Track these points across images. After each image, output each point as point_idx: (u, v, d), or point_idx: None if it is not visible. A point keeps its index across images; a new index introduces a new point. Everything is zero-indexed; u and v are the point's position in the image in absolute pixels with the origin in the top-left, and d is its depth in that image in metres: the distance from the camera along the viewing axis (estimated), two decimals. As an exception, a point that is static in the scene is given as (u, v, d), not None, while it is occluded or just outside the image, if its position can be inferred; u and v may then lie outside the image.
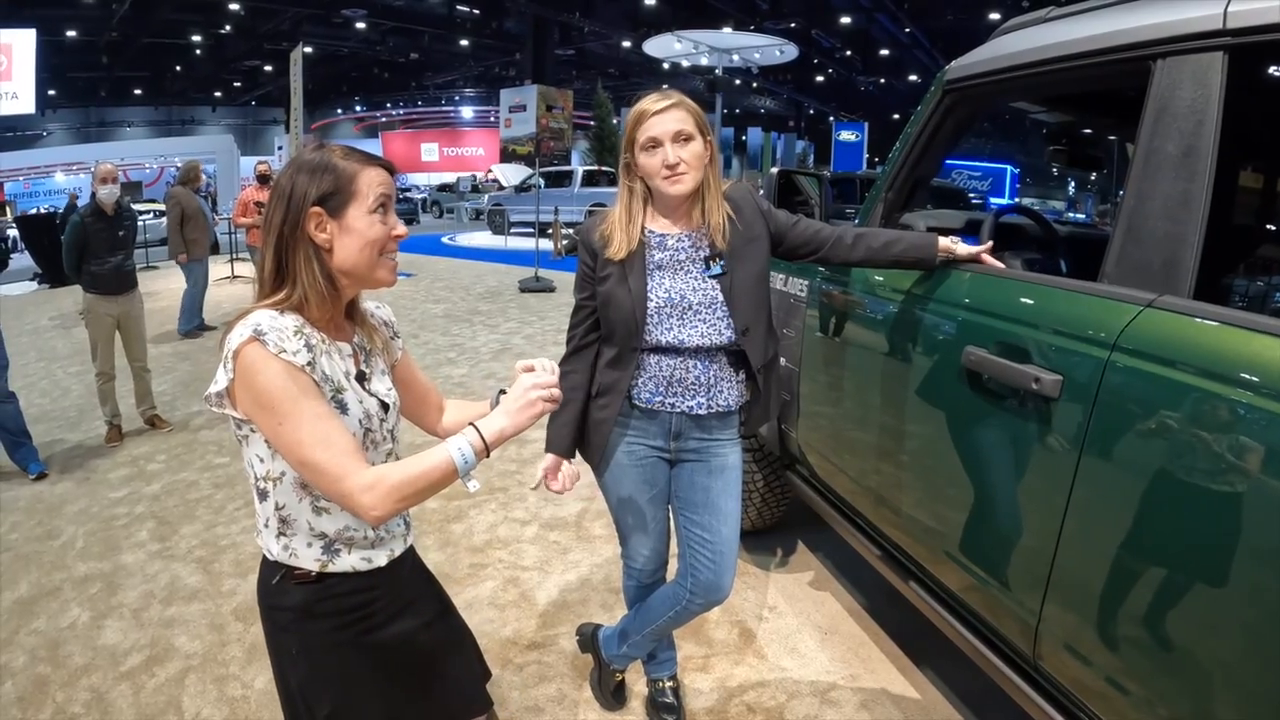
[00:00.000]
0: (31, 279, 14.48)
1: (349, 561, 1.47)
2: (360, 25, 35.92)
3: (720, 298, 2.06)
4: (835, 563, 3.64)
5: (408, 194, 34.34)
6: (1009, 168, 32.37)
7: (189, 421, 5.98)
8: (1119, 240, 1.70)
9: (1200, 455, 1.38)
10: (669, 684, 2.61)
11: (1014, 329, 1.85)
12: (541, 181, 18.25)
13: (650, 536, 2.31)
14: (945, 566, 2.18)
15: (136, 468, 5.05)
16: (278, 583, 1.47)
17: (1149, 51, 1.69)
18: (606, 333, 2.13)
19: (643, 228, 2.09)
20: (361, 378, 1.51)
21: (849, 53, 39.95)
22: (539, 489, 2.13)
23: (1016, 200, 26.74)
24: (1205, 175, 1.55)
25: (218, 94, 49.28)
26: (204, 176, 12.60)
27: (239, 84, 47.46)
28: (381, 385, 1.55)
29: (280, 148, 34.15)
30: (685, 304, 2.05)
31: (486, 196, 25.45)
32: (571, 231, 15.44)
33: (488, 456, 1.39)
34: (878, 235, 2.20)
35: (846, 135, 33.08)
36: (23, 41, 18.51)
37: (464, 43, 39.42)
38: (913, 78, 40.96)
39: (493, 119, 38.03)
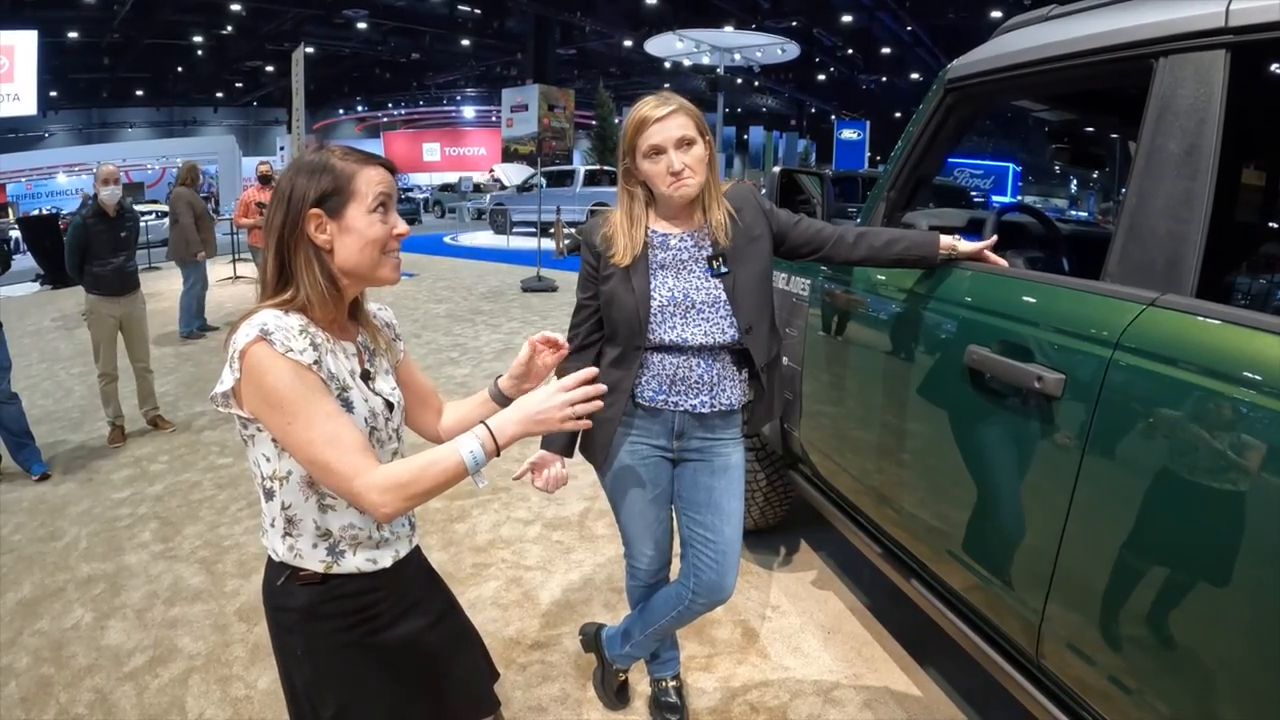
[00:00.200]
0: (34, 280, 14.48)
1: (354, 562, 1.47)
2: (361, 25, 35.90)
3: (723, 297, 2.06)
4: (838, 562, 3.64)
5: (410, 194, 34.36)
6: (1011, 166, 32.38)
7: (191, 422, 5.99)
8: (1121, 239, 1.70)
9: (1203, 454, 1.38)
10: (672, 684, 2.61)
11: (1016, 328, 1.85)
12: (543, 181, 18.26)
13: (653, 536, 2.31)
14: (948, 565, 2.18)
15: (139, 468, 5.05)
16: (283, 584, 1.47)
17: (1151, 50, 1.68)
18: (610, 332, 2.13)
19: (646, 228, 2.09)
20: (366, 376, 1.51)
21: (850, 51, 39.87)
22: (521, 480, 2.12)
23: (1019, 198, 26.73)
24: (1208, 174, 1.54)
25: (219, 95, 49.32)
26: (202, 177, 12.59)
27: (240, 85, 47.49)
28: (386, 384, 1.56)
29: (282, 148, 34.22)
30: (688, 303, 2.05)
31: (488, 196, 25.46)
32: (573, 231, 15.43)
33: (498, 455, 1.40)
34: (879, 234, 2.20)
35: (848, 134, 33.05)
36: (24, 43, 18.54)
37: (465, 42, 39.41)
38: (914, 76, 40.92)
39: (494, 119, 38.04)
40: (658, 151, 1.98)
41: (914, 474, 2.34)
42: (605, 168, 20.81)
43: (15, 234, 18.55)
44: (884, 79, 44.38)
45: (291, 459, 1.39)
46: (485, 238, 21.47)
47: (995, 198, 23.43)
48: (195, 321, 9.07)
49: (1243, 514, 1.32)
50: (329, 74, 45.99)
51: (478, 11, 35.88)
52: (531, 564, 3.66)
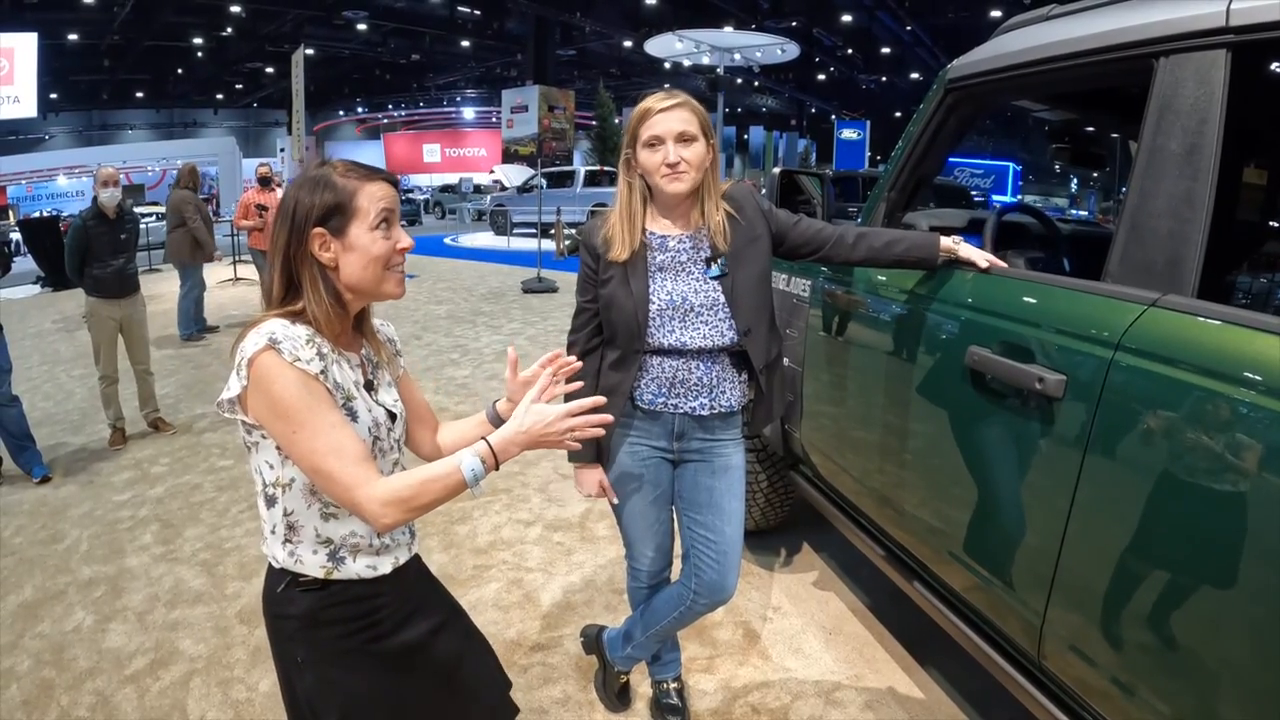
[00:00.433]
0: (34, 282, 14.48)
1: (354, 569, 1.47)
2: (361, 27, 35.90)
3: (722, 299, 2.06)
4: (839, 563, 3.64)
5: (410, 195, 34.35)
6: (1011, 165, 32.38)
7: (192, 424, 5.99)
8: (1122, 239, 1.70)
9: (1205, 455, 1.38)
10: (674, 685, 2.60)
11: (1017, 328, 1.85)
12: (544, 182, 18.24)
13: (654, 537, 2.31)
14: (949, 566, 2.18)
15: (140, 471, 5.05)
16: (283, 590, 1.47)
17: (1152, 49, 1.68)
18: (609, 335, 2.13)
19: (643, 229, 2.09)
20: (370, 387, 1.52)
21: (850, 51, 39.83)
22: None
23: (1019, 198, 26.72)
24: (1209, 173, 1.54)
25: (219, 96, 49.30)
26: (202, 178, 12.57)
27: (241, 86, 47.47)
28: (389, 396, 1.57)
29: (282, 149, 34.21)
30: (687, 306, 2.05)
31: (489, 197, 25.46)
32: (574, 232, 15.44)
33: (496, 470, 1.41)
34: (879, 235, 2.20)
35: (848, 134, 33.05)
36: (24, 45, 18.53)
37: (465, 44, 39.41)
38: (914, 76, 40.90)
39: (494, 119, 38.00)
40: (657, 142, 1.98)
41: (915, 475, 2.34)
42: (605, 168, 20.79)
43: (16, 236, 18.55)
44: (884, 79, 44.37)
45: (295, 467, 1.40)
46: (486, 239, 21.49)
47: (995, 197, 23.44)
48: (195, 324, 9.06)
49: (1244, 515, 1.32)
50: (329, 75, 45.99)
51: (477, 12, 35.88)
52: (532, 565, 3.66)
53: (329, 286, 1.42)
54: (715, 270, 2.06)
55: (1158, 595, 1.48)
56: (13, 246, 18.09)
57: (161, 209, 17.75)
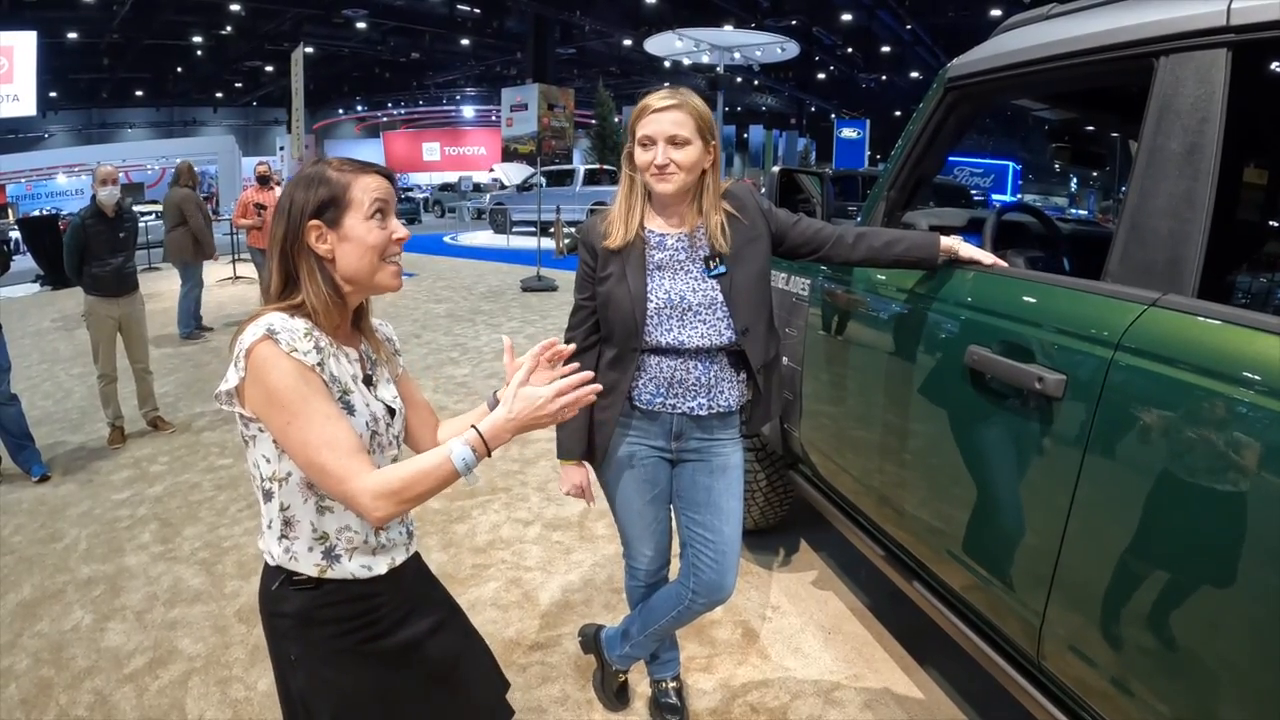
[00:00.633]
0: (33, 281, 14.47)
1: (349, 568, 1.47)
2: (361, 25, 35.88)
3: (720, 298, 2.06)
4: (838, 562, 3.63)
5: (409, 194, 34.38)
6: (1011, 164, 32.38)
7: (191, 423, 5.98)
8: (1122, 238, 1.69)
9: (1204, 455, 1.37)
10: (672, 684, 2.60)
11: (1017, 328, 1.85)
12: (543, 180, 18.24)
13: (652, 536, 2.31)
14: (948, 566, 2.18)
15: (139, 469, 5.05)
16: (277, 589, 1.47)
17: (1152, 49, 1.68)
18: (606, 333, 2.13)
19: (642, 225, 2.09)
20: (368, 382, 1.53)
21: (850, 50, 39.83)
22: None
23: (1019, 197, 26.71)
24: (1209, 173, 1.54)
25: (219, 95, 49.28)
26: (200, 177, 12.54)
27: (240, 85, 47.45)
28: (387, 392, 1.58)
29: (282, 148, 34.19)
30: (685, 305, 2.05)
31: (488, 196, 25.48)
32: (573, 230, 15.43)
33: (488, 456, 1.40)
34: (879, 235, 2.19)
35: (848, 133, 33.07)
36: (24, 44, 18.53)
37: (465, 42, 39.39)
38: (914, 75, 40.88)
39: (494, 118, 37.99)
40: (649, 142, 1.99)
41: (914, 474, 2.33)
42: (605, 167, 20.81)
43: (15, 235, 18.52)
44: (884, 78, 44.35)
45: (291, 460, 1.39)
46: (485, 237, 21.49)
47: (995, 196, 23.43)
48: (194, 322, 9.06)
49: (1244, 515, 1.31)
50: (329, 74, 45.96)
51: (477, 11, 35.86)
52: (531, 565, 3.66)
53: (326, 278, 1.43)
54: (714, 269, 2.06)
55: (1157, 595, 1.48)
56: (12, 245, 18.06)
57: (161, 208, 17.76)
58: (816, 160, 39.28)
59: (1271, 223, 3.00)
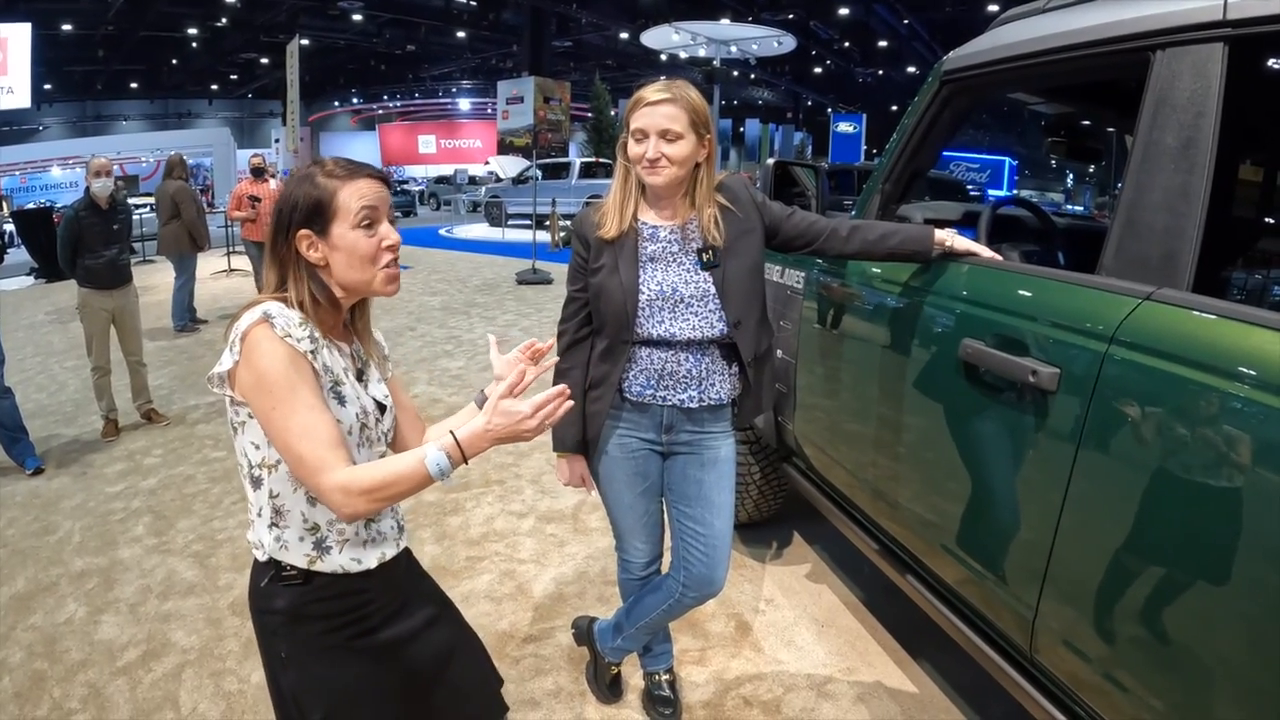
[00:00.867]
0: (28, 274, 14.43)
1: (338, 561, 1.47)
2: (357, 17, 35.71)
3: (712, 290, 2.05)
4: (832, 556, 3.64)
5: (405, 186, 34.34)
6: (1007, 160, 32.36)
7: (185, 415, 5.97)
8: (1117, 232, 1.69)
9: (1198, 449, 1.37)
10: (665, 677, 2.60)
11: (1011, 322, 1.84)
12: (539, 173, 18.21)
13: (643, 529, 2.31)
14: (942, 560, 2.18)
15: (133, 462, 5.04)
16: (266, 585, 1.47)
17: (1148, 42, 1.68)
18: (598, 325, 2.13)
19: (635, 217, 2.09)
20: (360, 376, 1.52)
21: (847, 44, 39.74)
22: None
23: (1015, 192, 26.72)
24: (1205, 168, 1.54)
25: (214, 87, 49.04)
26: (196, 169, 12.51)
27: (235, 77, 47.24)
28: (379, 389, 1.58)
29: (277, 140, 34.08)
30: (677, 296, 2.04)
31: (484, 189, 25.44)
32: (569, 224, 15.40)
33: (464, 464, 1.38)
34: (873, 228, 2.19)
35: (844, 127, 33.03)
36: (18, 35, 18.42)
37: (461, 34, 39.22)
38: (911, 70, 40.78)
39: (490, 111, 37.88)
40: (641, 135, 1.99)
41: (908, 468, 2.33)
42: (601, 160, 20.76)
43: (9, 228, 18.46)
44: (881, 72, 44.28)
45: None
46: (480, 230, 21.46)
47: (991, 192, 23.41)
48: (188, 315, 9.04)
49: (1237, 510, 1.32)
50: (324, 66, 45.77)
51: (473, 3, 35.72)
52: (525, 557, 3.66)
53: (320, 285, 1.44)
54: (707, 262, 2.05)
55: (1149, 590, 1.48)
56: (6, 238, 18.02)
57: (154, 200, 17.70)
58: (813, 154, 39.18)
59: (1267, 218, 3.01)
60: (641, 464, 2.22)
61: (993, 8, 25.13)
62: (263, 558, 1.47)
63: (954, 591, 2.18)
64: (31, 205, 21.27)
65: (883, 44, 39.45)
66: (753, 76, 43.50)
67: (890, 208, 2.61)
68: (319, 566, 1.45)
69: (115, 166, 5.70)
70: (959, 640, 2.13)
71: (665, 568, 2.41)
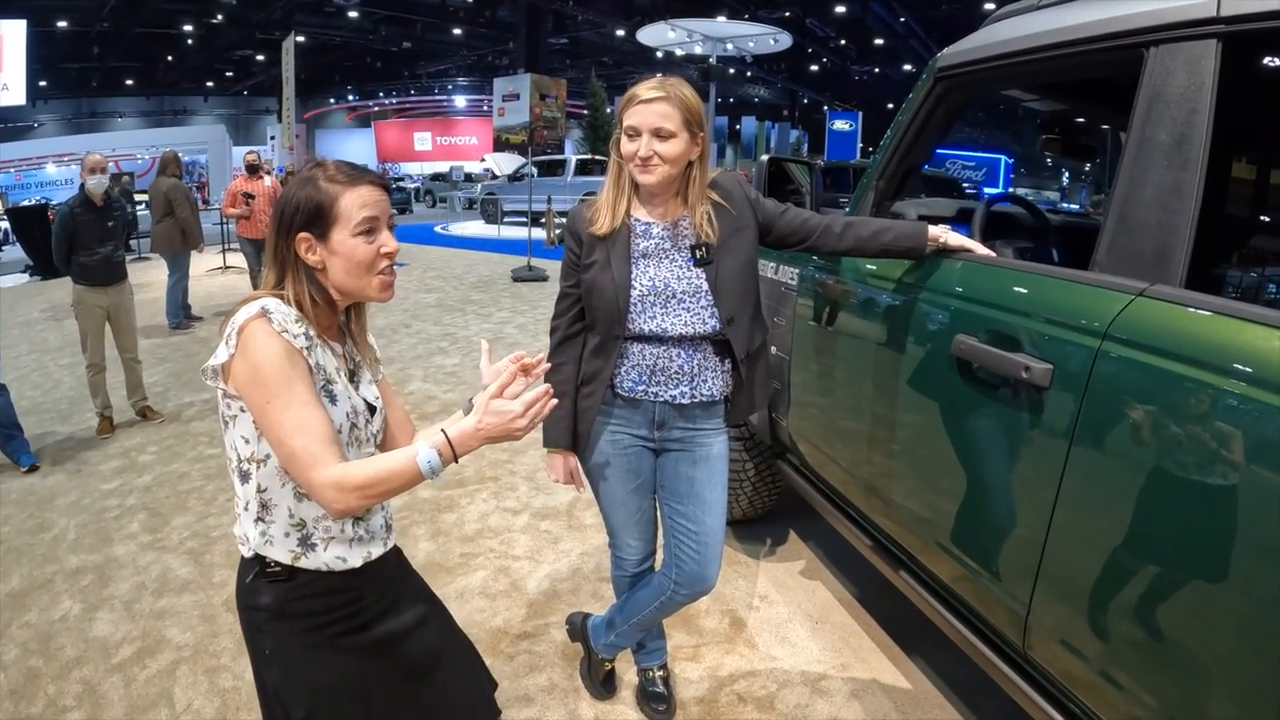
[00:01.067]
0: (23, 271, 14.38)
1: (323, 558, 1.47)
2: (353, 14, 35.67)
3: (705, 287, 2.05)
4: (826, 552, 3.64)
5: (401, 184, 34.30)
6: (1003, 158, 32.37)
7: (180, 413, 5.97)
8: (1111, 229, 1.70)
9: (1191, 445, 1.38)
10: (659, 673, 2.61)
11: (1005, 318, 1.85)
12: (535, 171, 18.20)
13: (636, 526, 2.31)
14: (936, 556, 2.18)
15: (128, 459, 5.03)
16: (251, 582, 1.47)
17: (1142, 39, 1.68)
18: (590, 320, 2.13)
19: (628, 213, 2.09)
20: (352, 376, 1.53)
21: (843, 42, 39.75)
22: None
23: (1010, 189, 26.73)
24: (1198, 164, 1.54)
25: (210, 84, 48.91)
26: (192, 167, 12.49)
27: (231, 74, 47.13)
28: (370, 390, 1.58)
29: (273, 137, 33.98)
30: (669, 292, 2.04)
31: (479, 186, 25.44)
32: (564, 220, 15.41)
33: (455, 462, 1.40)
34: (867, 224, 2.19)
35: (840, 125, 33.07)
36: (13, 32, 18.35)
37: (457, 31, 39.16)
38: (907, 67, 40.75)
39: (486, 108, 37.80)
40: (634, 133, 1.99)
41: (902, 464, 2.34)
42: (597, 157, 20.75)
43: (4, 225, 18.41)
44: (877, 70, 44.28)
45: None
46: (476, 227, 21.46)
47: (987, 190, 23.43)
48: (182, 312, 9.02)
49: (1230, 506, 1.32)
50: (320, 63, 45.66)
51: (469, 0, 35.71)
52: (519, 554, 3.66)
53: (318, 287, 1.45)
54: (700, 258, 2.05)
55: (1143, 587, 1.49)
56: (1, 235, 17.98)
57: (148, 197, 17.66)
58: (809, 152, 39.19)
59: (1260, 215, 3.01)
60: (633, 460, 2.22)
61: (989, 5, 25.11)
62: (248, 553, 1.47)
63: (948, 588, 2.18)
64: (26, 202, 21.18)
65: (879, 41, 39.46)
66: (749, 74, 43.51)
67: (885, 204, 2.61)
68: (303, 563, 1.45)
69: (110, 164, 5.67)
70: (953, 636, 2.14)
71: (659, 565, 2.41)
